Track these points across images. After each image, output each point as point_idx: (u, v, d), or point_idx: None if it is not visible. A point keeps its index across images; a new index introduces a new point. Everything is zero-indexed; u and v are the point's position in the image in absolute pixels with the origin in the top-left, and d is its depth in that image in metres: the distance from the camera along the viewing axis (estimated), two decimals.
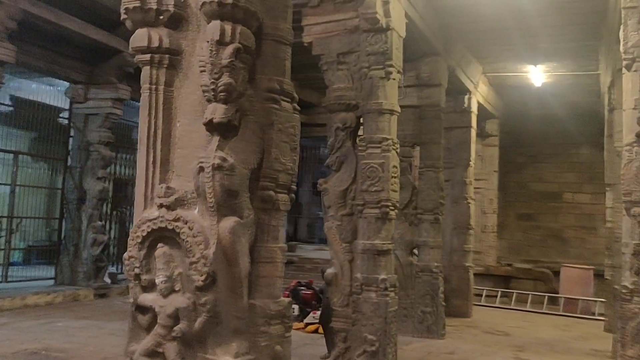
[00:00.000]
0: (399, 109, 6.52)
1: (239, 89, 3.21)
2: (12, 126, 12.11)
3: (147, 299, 3.22)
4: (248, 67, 3.30)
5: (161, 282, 3.16)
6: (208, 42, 3.16)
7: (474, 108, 11.00)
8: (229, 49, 3.15)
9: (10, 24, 8.14)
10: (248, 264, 3.24)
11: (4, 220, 11.12)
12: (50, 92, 12.98)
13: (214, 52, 3.16)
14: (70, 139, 10.83)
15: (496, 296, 12.40)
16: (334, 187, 6.28)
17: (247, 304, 3.24)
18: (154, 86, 3.40)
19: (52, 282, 10.37)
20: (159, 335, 3.15)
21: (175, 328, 3.09)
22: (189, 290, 3.12)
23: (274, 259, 3.46)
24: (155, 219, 3.22)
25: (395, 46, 6.40)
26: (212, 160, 3.11)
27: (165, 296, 3.16)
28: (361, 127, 6.48)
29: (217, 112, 3.16)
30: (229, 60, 3.15)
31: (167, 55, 3.39)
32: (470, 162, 10.73)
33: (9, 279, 9.93)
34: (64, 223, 10.68)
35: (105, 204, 11.54)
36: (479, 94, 11.49)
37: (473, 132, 10.92)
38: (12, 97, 12.48)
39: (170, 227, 3.18)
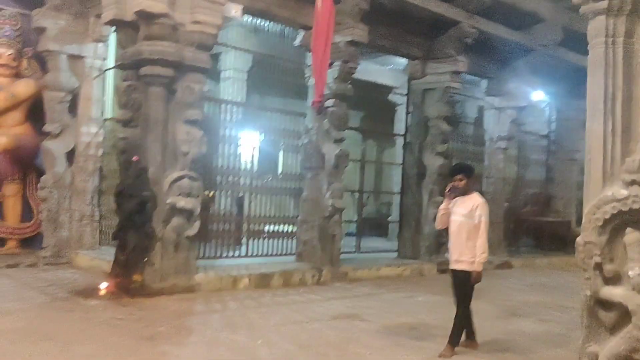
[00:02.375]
0: None
1: None
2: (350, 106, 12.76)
3: (613, 293, 2.70)
4: None
5: (636, 275, 2.61)
6: None
7: None
8: None
9: (364, 4, 8.40)
10: None
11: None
12: (380, 71, 13.44)
13: None
14: (408, 115, 10.93)
15: None
16: None
17: None
18: (610, 39, 2.82)
19: (391, 253, 10.68)
20: (634, 339, 2.61)
21: None
22: None
23: None
24: (624, 199, 2.67)
25: None
26: None
27: None
28: None
29: None
30: None
31: None
32: None
33: (360, 250, 10.50)
34: (404, 198, 10.87)
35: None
36: None
37: None
38: None
39: None
